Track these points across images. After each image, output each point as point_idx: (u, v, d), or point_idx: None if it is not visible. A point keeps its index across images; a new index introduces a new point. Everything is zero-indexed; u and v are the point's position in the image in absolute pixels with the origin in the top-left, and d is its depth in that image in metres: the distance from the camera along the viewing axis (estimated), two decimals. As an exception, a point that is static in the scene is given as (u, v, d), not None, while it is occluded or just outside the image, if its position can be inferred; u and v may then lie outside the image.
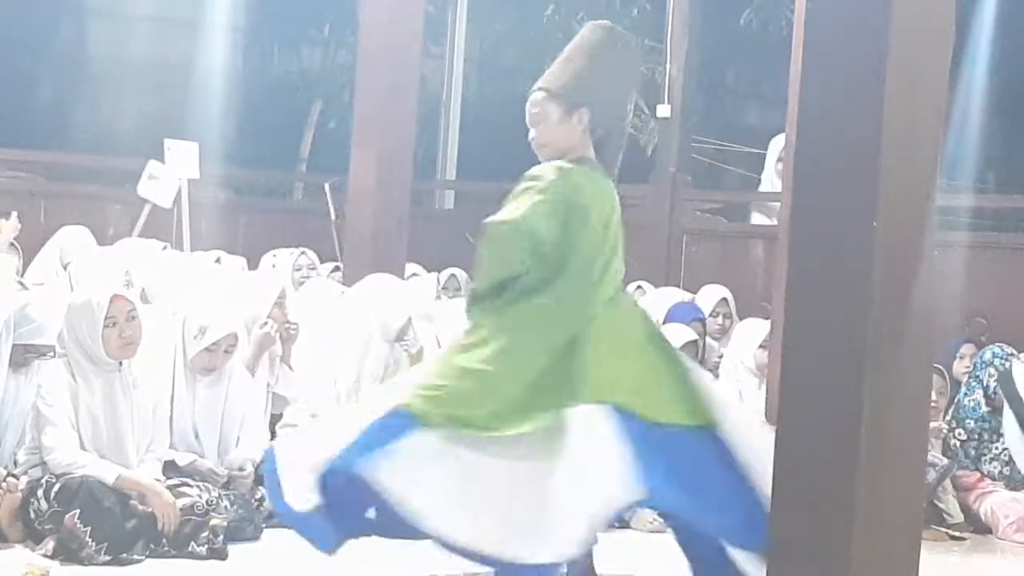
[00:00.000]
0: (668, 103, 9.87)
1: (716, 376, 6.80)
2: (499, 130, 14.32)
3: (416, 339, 6.55)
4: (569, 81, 4.30)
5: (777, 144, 8.87)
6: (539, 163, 4.33)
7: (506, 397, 4.00)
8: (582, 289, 4.14)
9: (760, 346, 6.94)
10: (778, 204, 8.44)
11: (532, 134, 4.35)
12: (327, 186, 9.52)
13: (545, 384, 4.02)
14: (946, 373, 7.11)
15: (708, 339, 7.57)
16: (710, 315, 7.75)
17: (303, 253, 8.59)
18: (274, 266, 8.54)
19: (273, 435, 6.05)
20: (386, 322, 6.46)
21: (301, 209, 10.94)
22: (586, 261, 4.16)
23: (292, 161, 13.78)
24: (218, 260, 8.26)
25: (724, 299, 7.96)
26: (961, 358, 7.65)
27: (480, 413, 3.97)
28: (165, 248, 8.09)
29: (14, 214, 7.96)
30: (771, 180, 8.95)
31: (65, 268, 7.83)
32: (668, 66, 9.85)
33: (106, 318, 5.18)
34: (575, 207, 4.16)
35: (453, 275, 8.45)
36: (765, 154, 9.39)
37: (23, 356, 5.49)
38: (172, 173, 8.50)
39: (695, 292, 8.07)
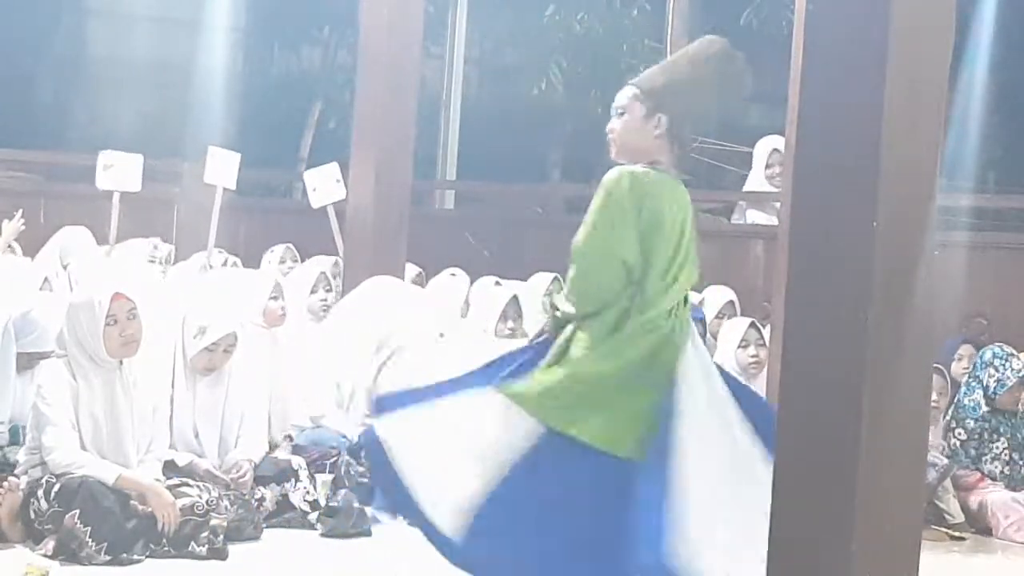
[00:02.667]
0: (668, 103, 9.83)
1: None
2: (499, 130, 14.37)
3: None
4: (659, 85, 4.29)
5: (765, 146, 8.86)
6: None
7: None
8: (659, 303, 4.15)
9: (740, 346, 6.95)
10: (776, 202, 8.46)
11: (610, 124, 4.33)
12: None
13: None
14: (946, 373, 7.11)
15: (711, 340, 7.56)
16: (715, 317, 7.73)
17: (288, 248, 8.66)
18: (270, 263, 8.56)
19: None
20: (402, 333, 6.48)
21: (301, 209, 10.91)
22: (660, 272, 4.15)
23: (292, 161, 13.77)
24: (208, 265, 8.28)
25: (731, 301, 7.94)
26: (959, 359, 7.65)
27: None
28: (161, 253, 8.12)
29: (18, 214, 7.95)
30: (759, 182, 8.95)
31: (65, 268, 7.84)
32: (668, 66, 9.82)
33: (107, 316, 5.18)
34: (650, 215, 4.14)
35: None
36: (754, 154, 9.38)
37: (28, 360, 5.51)
38: (129, 157, 8.47)
39: (698, 292, 8.06)
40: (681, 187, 4.30)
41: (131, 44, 13.65)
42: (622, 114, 4.29)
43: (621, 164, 4.25)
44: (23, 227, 7.95)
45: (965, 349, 7.70)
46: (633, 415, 4.04)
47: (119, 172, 8.21)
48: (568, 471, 4.02)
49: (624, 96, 4.31)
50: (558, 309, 4.20)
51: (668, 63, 4.40)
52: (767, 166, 8.71)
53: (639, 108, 4.27)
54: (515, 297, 7.14)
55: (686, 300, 4.30)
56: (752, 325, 6.98)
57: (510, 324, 7.09)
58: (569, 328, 4.15)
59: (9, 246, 8.00)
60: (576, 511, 4.01)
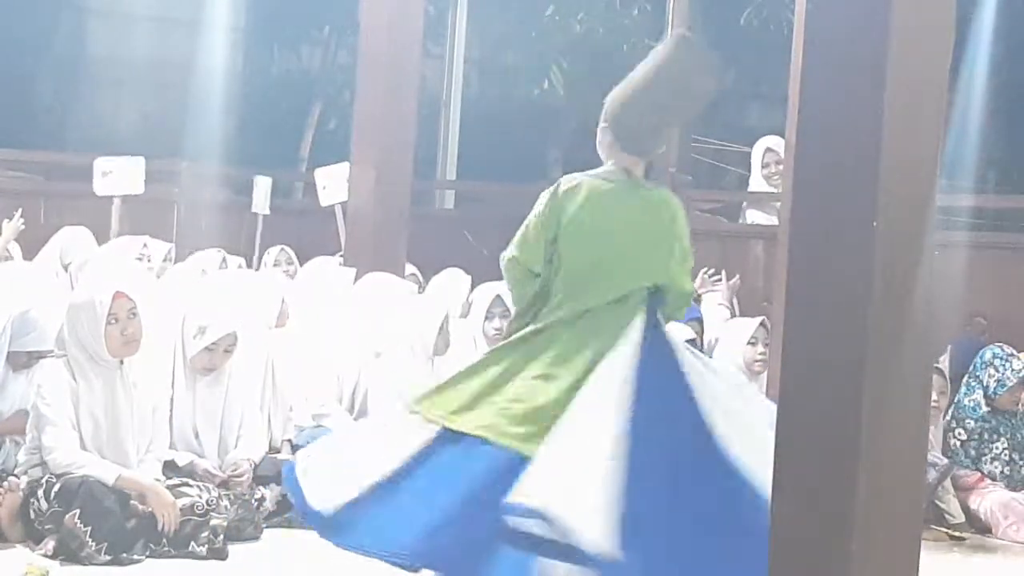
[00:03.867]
0: (668, 103, 9.84)
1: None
2: (499, 130, 14.37)
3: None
4: (611, 97, 4.37)
5: (760, 147, 8.87)
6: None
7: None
8: (574, 301, 4.23)
9: (748, 343, 6.95)
10: (775, 202, 8.47)
11: None
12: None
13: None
14: (946, 373, 7.11)
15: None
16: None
17: (282, 250, 8.67)
18: (266, 264, 8.57)
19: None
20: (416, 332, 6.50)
21: (301, 209, 10.93)
22: (575, 273, 4.24)
23: (292, 161, 13.77)
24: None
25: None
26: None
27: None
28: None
29: (17, 214, 7.95)
30: (758, 184, 8.97)
31: (65, 268, 7.84)
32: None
33: (108, 316, 5.19)
34: (570, 219, 4.25)
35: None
36: (752, 155, 9.39)
37: (26, 359, 5.52)
38: (125, 161, 8.49)
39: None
40: (635, 193, 4.36)
41: (131, 44, 13.65)
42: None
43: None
44: (23, 227, 7.95)
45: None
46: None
47: (118, 177, 8.22)
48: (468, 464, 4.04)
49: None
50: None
51: (634, 72, 4.40)
52: (763, 166, 8.73)
53: (602, 118, 4.41)
54: (499, 296, 7.04)
55: (652, 300, 4.31)
56: (763, 324, 6.99)
57: (496, 324, 7.01)
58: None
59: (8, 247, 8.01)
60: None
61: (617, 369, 4.09)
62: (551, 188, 4.34)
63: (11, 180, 10.20)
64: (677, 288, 4.37)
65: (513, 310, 4.47)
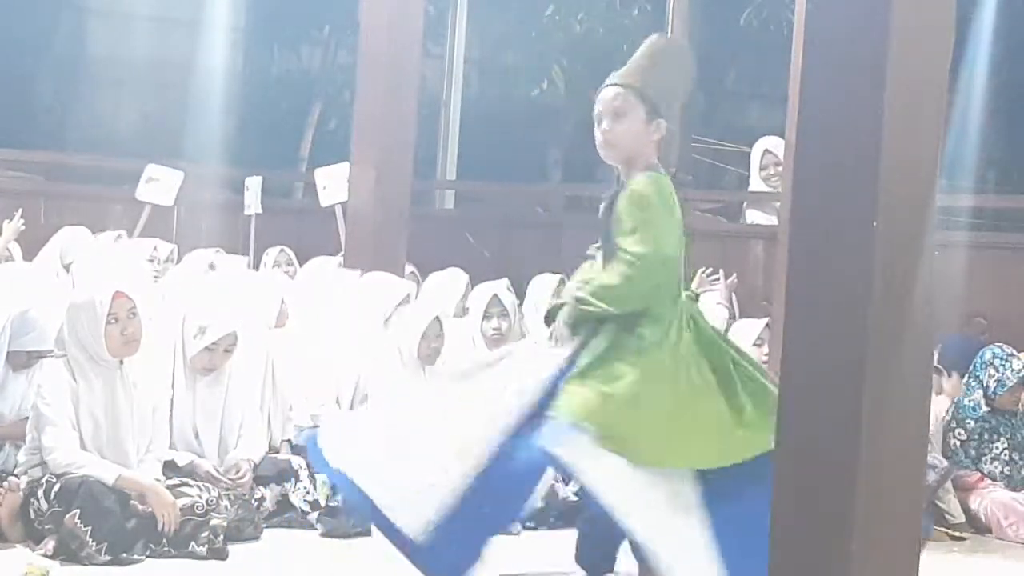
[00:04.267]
0: (668, 103, 9.84)
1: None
2: (499, 130, 14.37)
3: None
4: (656, 89, 4.31)
5: (759, 148, 8.88)
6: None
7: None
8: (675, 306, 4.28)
9: (754, 344, 6.94)
10: (775, 202, 8.47)
11: (605, 126, 4.34)
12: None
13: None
14: (944, 372, 7.12)
15: None
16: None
17: (282, 251, 8.67)
18: (266, 264, 8.57)
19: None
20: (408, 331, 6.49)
21: (301, 209, 10.93)
22: (678, 277, 4.31)
23: (292, 161, 13.77)
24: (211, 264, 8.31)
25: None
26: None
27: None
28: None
29: (18, 214, 7.95)
30: (757, 182, 8.97)
31: (66, 268, 7.84)
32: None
33: (108, 315, 5.18)
34: (677, 222, 4.30)
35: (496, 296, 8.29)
36: (751, 156, 9.39)
37: (25, 359, 5.52)
38: (171, 172, 8.52)
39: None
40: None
41: (131, 44, 13.65)
42: (621, 115, 4.28)
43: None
44: (23, 227, 7.96)
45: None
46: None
47: (160, 186, 8.25)
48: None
49: (622, 96, 4.30)
50: (586, 303, 4.23)
51: (648, 65, 4.36)
52: (761, 167, 8.73)
53: (641, 110, 4.29)
54: (496, 296, 7.01)
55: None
56: (768, 326, 6.98)
57: (494, 324, 7.00)
58: (606, 334, 4.22)
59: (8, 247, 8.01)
60: None
61: None
62: (655, 179, 4.27)
63: (11, 180, 10.20)
64: None
65: (603, 307, 4.23)
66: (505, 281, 7.63)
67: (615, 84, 4.34)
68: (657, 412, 4.06)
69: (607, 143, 4.33)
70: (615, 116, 4.30)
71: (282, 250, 8.74)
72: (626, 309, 4.19)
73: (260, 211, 9.21)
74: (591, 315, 4.21)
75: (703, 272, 8.21)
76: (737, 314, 8.03)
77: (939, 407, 6.99)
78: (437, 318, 6.54)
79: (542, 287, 7.42)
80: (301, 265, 8.43)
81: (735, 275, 8.29)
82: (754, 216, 9.28)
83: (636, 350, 4.15)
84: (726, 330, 7.80)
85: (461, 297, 8.00)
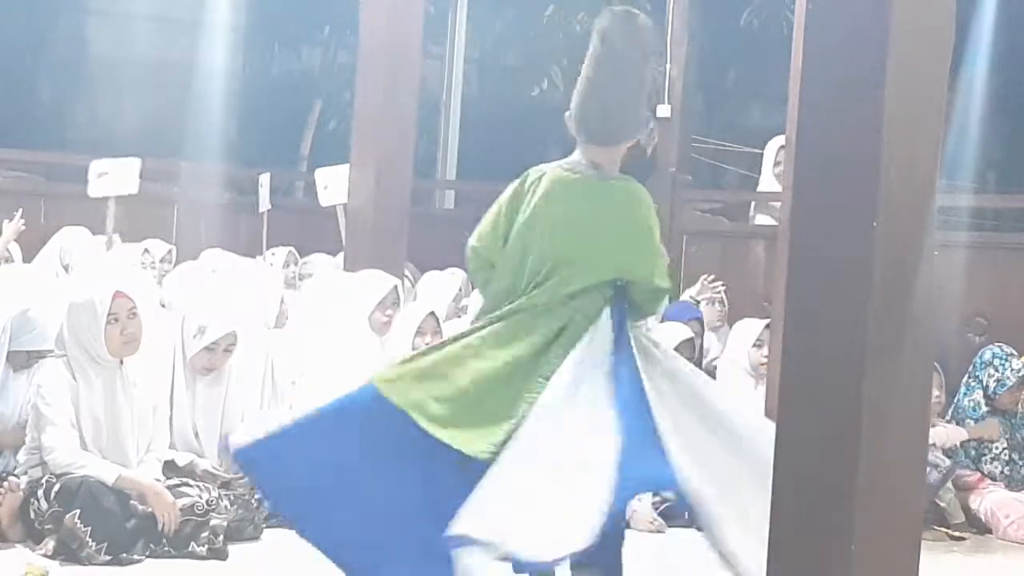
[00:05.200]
0: (668, 103, 9.87)
1: (714, 377, 6.79)
2: (499, 130, 14.38)
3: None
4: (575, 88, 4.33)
5: (774, 146, 8.87)
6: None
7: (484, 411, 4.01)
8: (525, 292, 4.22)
9: (754, 345, 6.95)
10: (779, 204, 8.46)
11: None
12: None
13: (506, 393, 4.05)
14: (941, 370, 7.12)
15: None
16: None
17: (290, 251, 8.67)
18: (272, 264, 8.58)
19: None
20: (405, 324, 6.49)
21: (301, 209, 10.93)
22: (536, 265, 4.21)
23: (292, 161, 13.78)
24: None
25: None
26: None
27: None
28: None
29: (18, 214, 7.95)
30: (768, 182, 8.96)
31: (66, 268, 7.85)
32: (668, 66, 9.85)
33: (108, 315, 5.19)
34: (533, 210, 4.22)
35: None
36: (764, 154, 9.39)
37: (25, 359, 5.52)
38: (122, 161, 8.50)
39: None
40: (601, 185, 4.30)
41: (131, 44, 13.66)
42: None
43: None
44: (23, 227, 7.95)
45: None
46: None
47: (113, 178, 8.23)
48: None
49: None
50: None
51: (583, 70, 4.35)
52: (775, 164, 8.71)
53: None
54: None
55: (608, 294, 4.26)
56: (768, 326, 6.98)
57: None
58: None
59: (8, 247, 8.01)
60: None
61: (581, 374, 4.06)
62: (519, 179, 4.31)
63: (11, 180, 10.20)
64: (646, 283, 4.28)
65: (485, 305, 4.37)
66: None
67: None
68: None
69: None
70: None
71: (291, 251, 8.74)
72: (484, 302, 4.35)
73: (270, 207, 9.23)
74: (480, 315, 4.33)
75: (705, 279, 8.22)
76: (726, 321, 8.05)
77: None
78: (432, 314, 6.54)
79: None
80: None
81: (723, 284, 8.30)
82: (762, 219, 9.28)
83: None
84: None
85: (455, 296, 8.00)
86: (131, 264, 7.89)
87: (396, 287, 6.77)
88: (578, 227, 4.22)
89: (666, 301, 4.71)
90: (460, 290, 8.18)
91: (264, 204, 9.21)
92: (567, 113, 4.31)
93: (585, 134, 4.28)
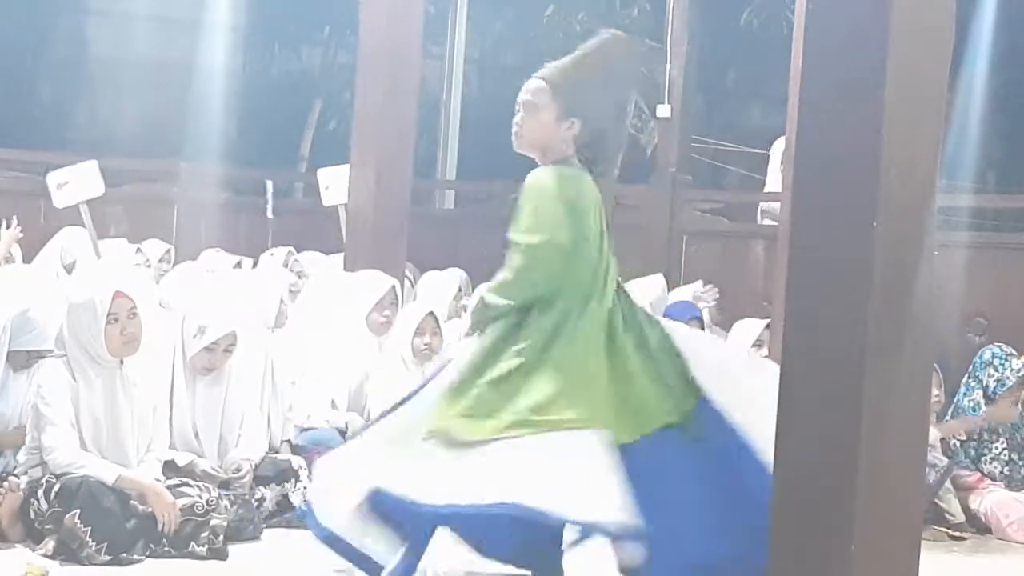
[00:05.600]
0: (668, 103, 9.88)
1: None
2: (499, 130, 14.30)
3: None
4: (573, 86, 4.33)
5: (779, 147, 8.88)
6: (534, 162, 4.40)
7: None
8: (590, 298, 4.26)
9: (754, 345, 6.94)
10: (775, 202, 8.47)
11: (517, 117, 4.39)
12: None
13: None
14: (939, 370, 7.12)
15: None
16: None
17: (290, 251, 8.66)
18: (273, 255, 8.57)
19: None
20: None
21: (301, 209, 10.93)
22: (591, 268, 4.26)
23: (292, 161, 13.78)
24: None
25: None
26: None
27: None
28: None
29: (14, 222, 7.91)
30: (775, 183, 8.96)
31: (66, 268, 7.84)
32: (668, 66, 9.86)
33: (108, 315, 5.18)
34: (579, 213, 4.24)
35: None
36: (765, 154, 9.42)
37: (25, 359, 5.52)
38: (76, 168, 8.48)
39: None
40: (589, 181, 4.35)
41: (131, 44, 13.66)
42: (531, 110, 4.35)
43: (525, 156, 4.41)
44: (21, 235, 7.93)
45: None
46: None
47: (75, 186, 8.20)
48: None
49: (533, 91, 4.37)
50: (489, 306, 4.30)
51: (574, 62, 4.39)
52: (782, 162, 8.72)
53: (552, 106, 4.35)
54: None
55: (618, 286, 4.37)
56: (768, 326, 6.98)
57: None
58: (501, 326, 4.26)
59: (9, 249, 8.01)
60: None
61: None
62: (555, 172, 4.30)
63: (11, 180, 10.20)
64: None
65: (503, 303, 4.30)
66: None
67: (536, 77, 4.40)
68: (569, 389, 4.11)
69: (515, 133, 4.43)
70: (527, 109, 4.37)
71: (290, 251, 8.72)
72: (524, 299, 4.24)
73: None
74: (497, 312, 4.27)
75: (705, 287, 8.24)
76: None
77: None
78: (432, 314, 6.55)
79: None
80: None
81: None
82: (769, 220, 9.29)
83: (526, 340, 4.20)
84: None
85: (455, 296, 8.00)
86: (127, 265, 7.88)
87: (394, 287, 6.77)
88: (601, 222, 4.42)
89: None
90: (460, 289, 8.18)
91: (271, 210, 9.20)
92: (578, 122, 4.37)
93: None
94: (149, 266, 8.15)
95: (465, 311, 7.54)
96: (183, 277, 7.46)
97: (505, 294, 4.29)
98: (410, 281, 8.24)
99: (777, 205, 8.71)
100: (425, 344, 6.48)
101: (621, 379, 4.20)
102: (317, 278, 7.73)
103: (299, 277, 8.36)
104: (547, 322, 4.21)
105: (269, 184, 9.32)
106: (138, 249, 8.35)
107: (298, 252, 8.87)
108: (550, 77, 4.36)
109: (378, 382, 6.44)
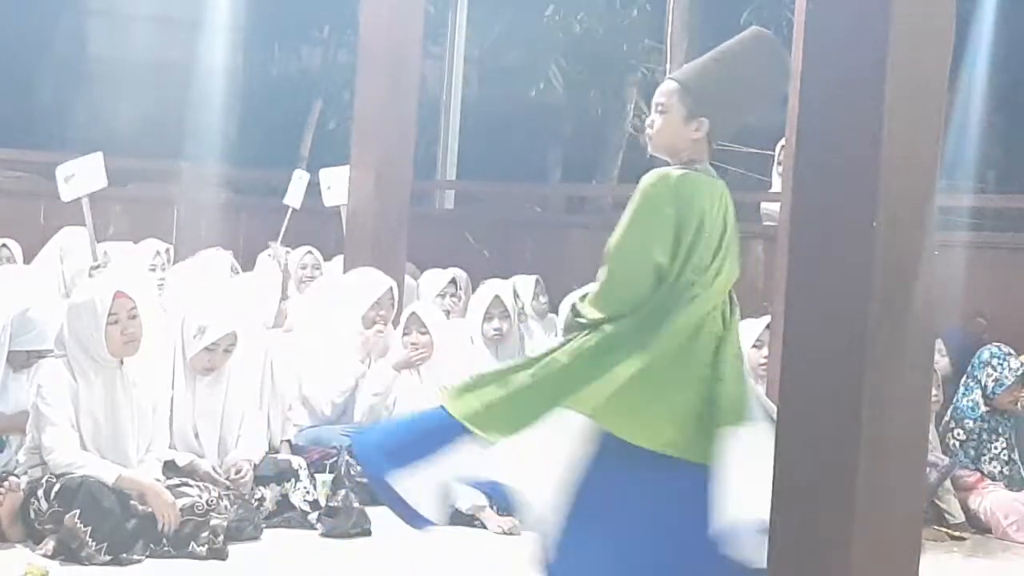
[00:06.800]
0: (668, 103, 9.85)
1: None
2: (499, 130, 14.37)
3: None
4: (704, 85, 4.21)
5: (780, 145, 8.87)
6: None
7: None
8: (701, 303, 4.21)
9: (754, 345, 6.94)
10: (775, 202, 8.46)
11: (651, 119, 4.27)
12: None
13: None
14: (937, 369, 7.12)
15: None
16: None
17: (308, 252, 8.62)
18: (273, 256, 8.54)
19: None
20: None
21: (301, 208, 10.93)
22: (702, 271, 4.17)
23: (292, 161, 13.77)
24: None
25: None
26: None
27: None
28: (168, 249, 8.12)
29: None
30: (777, 181, 8.97)
31: (72, 279, 7.83)
32: (668, 66, 9.86)
33: (108, 315, 5.19)
34: (687, 216, 4.09)
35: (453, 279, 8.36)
36: (764, 154, 9.40)
37: (25, 359, 5.52)
38: (82, 160, 8.49)
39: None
40: (720, 184, 4.23)
41: (131, 44, 13.66)
42: (662, 111, 4.23)
43: (660, 162, 4.23)
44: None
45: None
46: (672, 411, 4.02)
47: (81, 179, 8.20)
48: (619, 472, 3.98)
49: (666, 93, 4.22)
50: (581, 316, 4.09)
51: (715, 59, 4.26)
52: (778, 163, 8.72)
53: (681, 107, 4.19)
54: (498, 297, 7.04)
55: (731, 298, 4.31)
56: (768, 327, 6.97)
57: (495, 325, 7.04)
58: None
59: (6, 247, 8.00)
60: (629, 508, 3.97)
61: None
62: (660, 176, 4.11)
63: (11, 180, 10.20)
64: None
65: (603, 312, 4.06)
66: (511, 282, 7.64)
67: (670, 77, 4.32)
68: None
69: (648, 135, 4.30)
70: (658, 110, 4.26)
71: (309, 251, 8.68)
72: (613, 314, 4.04)
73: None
74: (588, 323, 4.07)
75: None
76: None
77: None
78: (414, 313, 6.62)
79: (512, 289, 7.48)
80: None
81: None
82: (769, 223, 9.27)
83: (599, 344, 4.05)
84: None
85: (439, 292, 8.00)
86: (140, 264, 7.87)
87: (391, 288, 6.80)
88: (725, 227, 4.41)
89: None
90: (459, 288, 8.19)
91: (291, 199, 9.06)
92: (707, 121, 4.25)
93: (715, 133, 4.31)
94: (164, 268, 8.14)
95: (533, 312, 7.67)
96: (180, 277, 7.46)
97: (595, 306, 4.08)
98: (413, 280, 8.23)
99: (776, 206, 8.69)
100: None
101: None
102: (320, 278, 7.75)
103: (314, 271, 8.36)
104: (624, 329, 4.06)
105: (322, 174, 9.18)
106: (157, 252, 8.33)
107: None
108: (682, 77, 4.24)
109: (370, 381, 6.51)
